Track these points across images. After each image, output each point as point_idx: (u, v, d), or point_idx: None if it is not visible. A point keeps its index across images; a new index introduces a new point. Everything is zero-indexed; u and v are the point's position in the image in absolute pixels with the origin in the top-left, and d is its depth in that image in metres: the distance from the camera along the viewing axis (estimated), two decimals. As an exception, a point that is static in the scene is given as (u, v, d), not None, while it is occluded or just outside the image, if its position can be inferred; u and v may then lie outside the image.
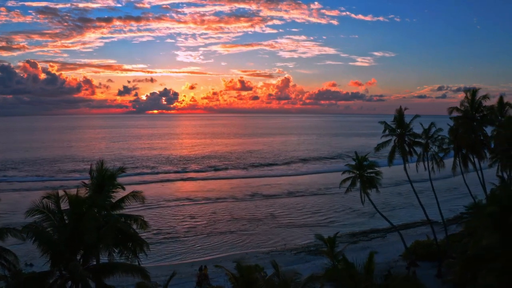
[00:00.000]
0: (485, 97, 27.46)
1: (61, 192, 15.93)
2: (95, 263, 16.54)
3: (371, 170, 25.94)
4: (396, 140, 26.57)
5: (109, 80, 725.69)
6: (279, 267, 15.77)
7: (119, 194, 18.94)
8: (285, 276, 13.89)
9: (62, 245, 14.96)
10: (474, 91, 27.39)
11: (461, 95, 28.78)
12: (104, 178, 18.57)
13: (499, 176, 26.25)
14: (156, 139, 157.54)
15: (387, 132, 26.59)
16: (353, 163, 26.48)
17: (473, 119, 27.08)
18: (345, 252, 30.76)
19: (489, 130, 29.98)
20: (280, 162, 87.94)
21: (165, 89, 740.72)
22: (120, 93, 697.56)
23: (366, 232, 36.72)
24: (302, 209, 46.09)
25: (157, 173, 72.74)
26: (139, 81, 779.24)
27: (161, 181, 64.96)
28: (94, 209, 17.11)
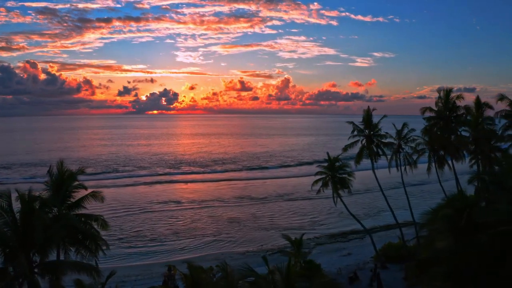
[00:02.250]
0: (459, 97, 27.41)
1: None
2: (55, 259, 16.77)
3: (343, 171, 25.95)
4: (363, 141, 26.56)
5: (109, 81, 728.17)
6: (231, 268, 15.84)
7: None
8: (232, 277, 13.95)
9: (14, 242, 15.14)
10: (448, 91, 27.34)
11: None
12: (63, 178, 18.75)
13: (479, 177, 26.16)
14: (153, 140, 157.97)
15: (355, 132, 26.55)
16: (326, 164, 26.49)
17: (447, 119, 26.98)
18: (320, 253, 30.95)
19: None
20: (273, 164, 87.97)
21: (165, 89, 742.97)
22: (120, 93, 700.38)
23: (346, 233, 36.77)
24: (287, 211, 46.15)
25: (147, 175, 72.87)
26: (139, 81, 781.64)
27: (150, 183, 64.99)
28: (49, 207, 17.37)
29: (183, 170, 79.31)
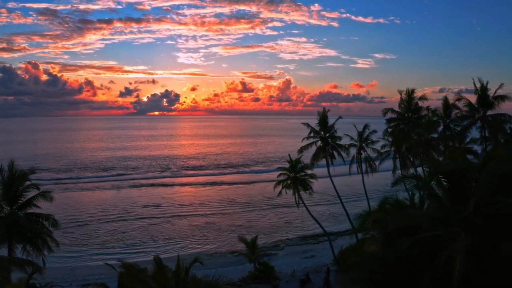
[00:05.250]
0: (422, 98, 27.67)
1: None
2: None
3: (304, 173, 26.35)
4: (319, 143, 26.93)
5: (111, 82, 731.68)
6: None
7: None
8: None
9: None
10: (410, 91, 27.58)
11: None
12: (14, 178, 19.46)
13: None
14: (151, 141, 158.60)
15: (312, 134, 26.93)
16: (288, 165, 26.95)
17: (408, 121, 27.28)
18: (286, 255, 31.41)
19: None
20: (263, 167, 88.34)
21: (166, 90, 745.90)
22: (122, 94, 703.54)
23: (319, 235, 37.02)
24: (268, 214, 46.57)
25: (135, 178, 73.27)
26: (140, 82, 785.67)
27: (138, 185, 65.43)
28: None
29: (173, 172, 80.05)
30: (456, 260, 11.92)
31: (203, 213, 46.98)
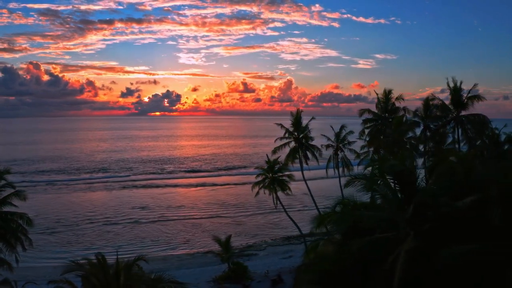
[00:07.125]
0: (399, 98, 28.01)
1: None
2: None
3: (282, 174, 26.81)
4: (292, 143, 27.38)
5: (112, 82, 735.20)
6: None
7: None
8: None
9: None
10: (387, 92, 27.91)
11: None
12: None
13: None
14: (150, 142, 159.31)
15: (286, 135, 27.39)
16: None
17: (385, 121, 27.63)
18: (267, 255, 31.95)
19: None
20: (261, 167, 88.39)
21: (168, 91, 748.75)
22: (123, 95, 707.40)
23: (304, 235, 37.39)
24: (256, 214, 47.02)
25: (128, 180, 73.56)
26: (142, 83, 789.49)
27: (130, 186, 66.10)
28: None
29: (168, 173, 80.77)
30: (398, 262, 12.32)
31: (191, 214, 47.59)
